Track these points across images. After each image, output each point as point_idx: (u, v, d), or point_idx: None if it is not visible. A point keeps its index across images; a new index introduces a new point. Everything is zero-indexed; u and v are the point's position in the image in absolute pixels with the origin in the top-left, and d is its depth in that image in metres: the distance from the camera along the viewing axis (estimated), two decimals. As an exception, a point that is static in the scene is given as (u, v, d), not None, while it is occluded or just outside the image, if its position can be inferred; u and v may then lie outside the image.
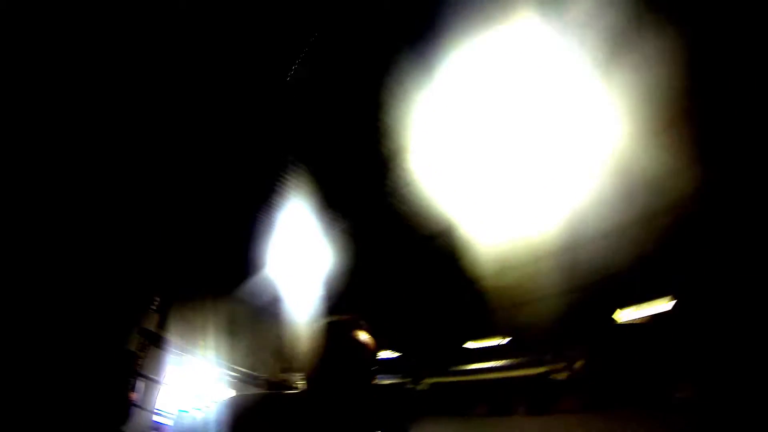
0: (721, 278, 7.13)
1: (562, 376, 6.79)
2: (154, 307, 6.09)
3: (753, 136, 5.79)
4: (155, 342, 5.66)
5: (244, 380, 6.31)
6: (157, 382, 5.39)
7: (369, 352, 1.69)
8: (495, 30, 5.27)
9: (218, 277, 7.33)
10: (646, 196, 7.15)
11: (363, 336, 1.70)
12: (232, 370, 6.24)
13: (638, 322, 7.50)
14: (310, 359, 1.57)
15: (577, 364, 6.77)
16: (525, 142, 6.41)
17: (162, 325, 5.94)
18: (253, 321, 7.17)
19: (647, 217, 7.40)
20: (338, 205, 8.01)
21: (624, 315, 7.86)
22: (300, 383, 1.57)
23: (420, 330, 9.72)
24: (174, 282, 6.53)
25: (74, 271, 5.58)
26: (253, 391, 5.95)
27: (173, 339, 5.92)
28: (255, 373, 6.50)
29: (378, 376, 1.65)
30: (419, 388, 7.25)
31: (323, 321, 1.73)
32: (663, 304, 7.60)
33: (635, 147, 6.54)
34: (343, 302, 8.98)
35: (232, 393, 6.51)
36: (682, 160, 6.42)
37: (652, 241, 7.60)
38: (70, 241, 5.78)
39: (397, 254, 8.93)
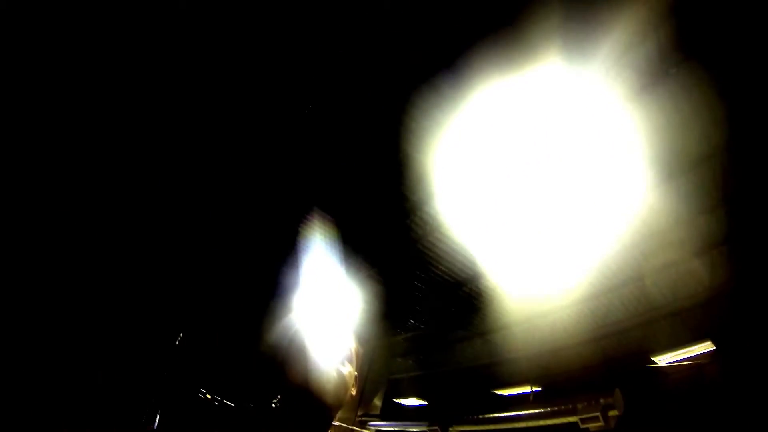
0: (762, 323, 6.75)
1: (595, 426, 6.44)
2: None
3: None
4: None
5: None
6: None
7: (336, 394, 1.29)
8: (521, 82, 5.32)
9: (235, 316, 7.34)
10: (670, 242, 6.95)
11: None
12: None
13: (676, 367, 7.12)
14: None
15: (611, 413, 6.42)
16: (550, 193, 6.36)
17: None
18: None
19: (673, 262, 7.17)
20: (364, 251, 8.05)
21: (661, 360, 7.48)
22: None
23: (448, 376, 9.49)
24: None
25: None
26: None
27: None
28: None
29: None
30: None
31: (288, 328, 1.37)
32: (702, 348, 7.20)
33: (656, 196, 6.41)
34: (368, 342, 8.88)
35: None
36: (707, 202, 6.25)
37: (685, 284, 7.33)
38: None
39: (424, 300, 8.85)
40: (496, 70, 5.18)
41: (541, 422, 6.94)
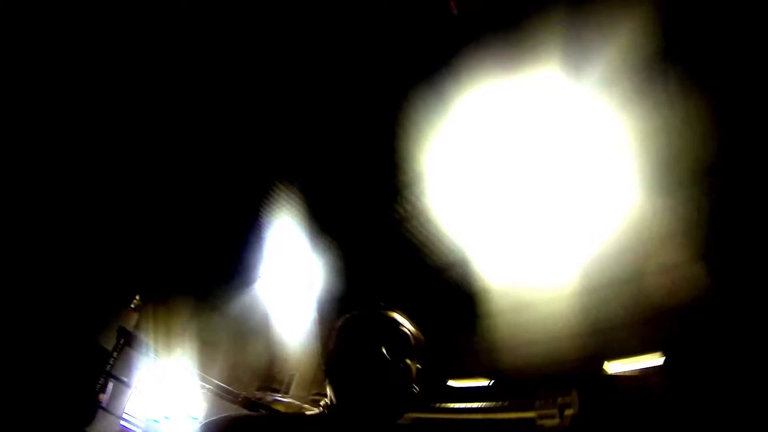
0: (712, 338, 7.05)
1: (551, 423, 6.50)
2: (134, 306, 5.68)
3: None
4: (131, 342, 5.23)
5: (220, 395, 5.86)
6: (128, 385, 4.94)
7: (416, 350, 1.16)
8: (516, 78, 5.26)
9: (204, 284, 6.93)
10: (647, 253, 7.12)
11: (405, 328, 1.16)
12: (207, 383, 5.80)
13: (629, 374, 7.32)
14: (331, 376, 1.11)
15: (568, 412, 6.51)
16: (539, 183, 6.36)
17: (140, 325, 5.52)
18: (235, 334, 6.76)
19: (647, 272, 7.36)
20: (339, 227, 7.80)
21: (613, 367, 7.69)
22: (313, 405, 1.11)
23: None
24: (157, 283, 6.14)
25: (49, 258, 5.19)
26: (232, 408, 5.51)
27: (150, 342, 5.49)
28: (231, 389, 6.05)
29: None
30: (400, 421, 6.85)
31: (345, 317, 1.20)
32: (653, 359, 7.46)
33: (648, 203, 6.54)
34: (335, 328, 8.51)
35: (208, 407, 6.06)
36: (688, 222, 6.43)
37: (647, 297, 7.55)
38: (50, 231, 5.41)
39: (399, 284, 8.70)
40: (492, 67, 5.12)
41: (499, 415, 6.94)
